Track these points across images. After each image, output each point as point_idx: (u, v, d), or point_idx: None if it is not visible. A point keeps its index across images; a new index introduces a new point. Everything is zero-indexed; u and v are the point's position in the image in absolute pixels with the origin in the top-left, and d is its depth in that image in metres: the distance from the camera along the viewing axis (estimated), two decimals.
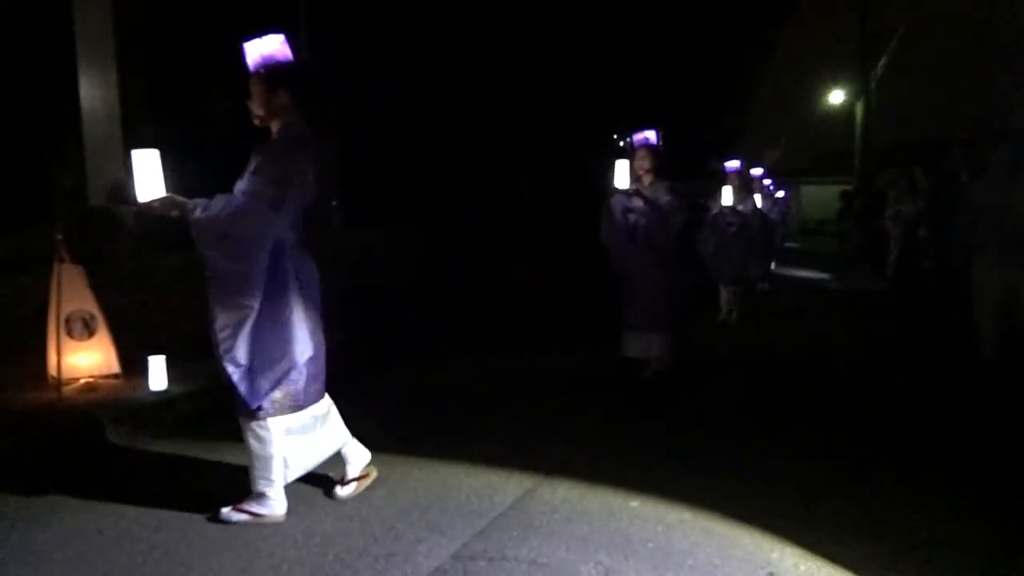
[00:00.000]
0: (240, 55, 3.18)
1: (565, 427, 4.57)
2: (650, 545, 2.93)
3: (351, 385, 5.48)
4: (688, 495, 3.37)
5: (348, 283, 7.79)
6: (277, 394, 3.12)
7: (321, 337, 3.35)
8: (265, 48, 3.16)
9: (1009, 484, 3.60)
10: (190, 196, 3.20)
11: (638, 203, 5.61)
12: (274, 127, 3.19)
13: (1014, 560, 2.82)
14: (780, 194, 15.37)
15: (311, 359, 3.24)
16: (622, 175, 5.44)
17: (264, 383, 3.07)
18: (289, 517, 3.19)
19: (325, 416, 3.38)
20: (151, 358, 4.65)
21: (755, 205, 9.22)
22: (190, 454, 4.01)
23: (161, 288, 7.04)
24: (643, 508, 3.28)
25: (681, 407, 5.13)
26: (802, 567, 2.76)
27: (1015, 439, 4.23)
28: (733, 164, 8.70)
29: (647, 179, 5.67)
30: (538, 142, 13.28)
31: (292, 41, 3.22)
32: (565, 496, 3.42)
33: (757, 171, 11.01)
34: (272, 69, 3.14)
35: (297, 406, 3.20)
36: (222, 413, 4.70)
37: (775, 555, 2.84)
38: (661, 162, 5.71)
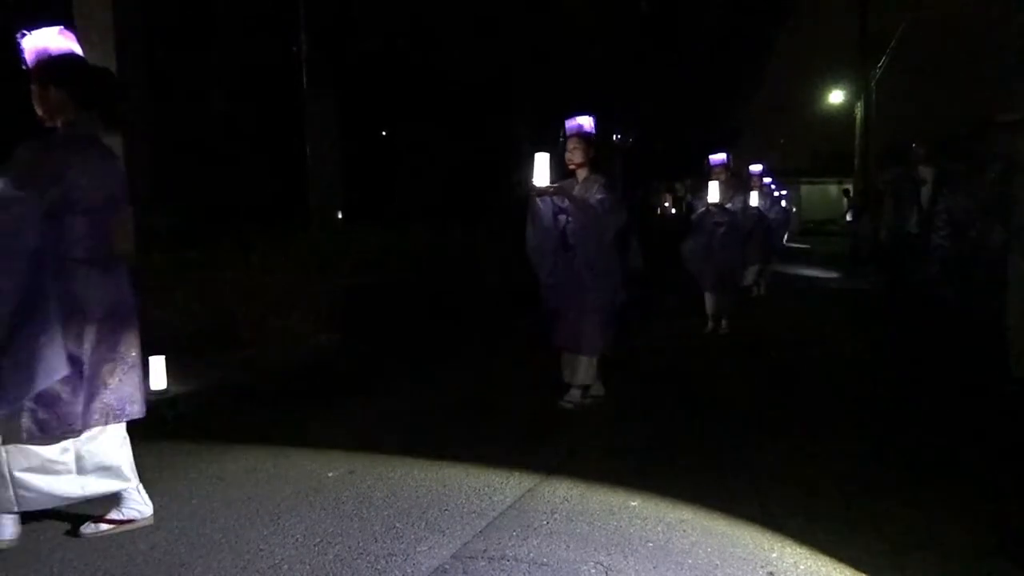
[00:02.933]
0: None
1: (565, 427, 4.57)
2: (650, 545, 2.93)
3: (351, 386, 5.51)
4: (688, 495, 3.37)
5: (348, 282, 7.80)
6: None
7: (104, 361, 2.91)
8: (38, 41, 2.90)
9: (1010, 484, 3.60)
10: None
11: (568, 203, 4.84)
12: (58, 126, 2.94)
13: (1014, 560, 2.82)
14: (780, 193, 15.29)
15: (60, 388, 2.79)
16: (541, 171, 4.63)
17: (11, 396, 2.71)
18: (289, 517, 3.19)
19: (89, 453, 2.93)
20: (151, 358, 4.65)
21: (745, 203, 8.38)
22: (190, 454, 4.00)
23: (161, 288, 7.05)
24: (643, 508, 3.28)
25: (681, 408, 5.14)
26: (802, 567, 2.76)
27: (1017, 440, 4.24)
28: (719, 157, 7.83)
29: (581, 174, 4.88)
30: (537, 142, 13.30)
31: (73, 31, 2.97)
32: (565, 496, 3.42)
33: (756, 168, 10.41)
34: (43, 63, 2.90)
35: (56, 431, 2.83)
36: (222, 413, 4.73)
37: (775, 555, 2.84)
38: (597, 154, 4.92)
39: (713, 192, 7.40)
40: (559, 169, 4.95)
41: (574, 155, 4.85)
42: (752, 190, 10.02)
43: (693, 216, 7.98)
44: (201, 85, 12.79)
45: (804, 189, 33.56)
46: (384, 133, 15.57)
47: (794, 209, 25.51)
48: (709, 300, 7.86)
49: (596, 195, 4.80)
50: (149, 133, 9.97)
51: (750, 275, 10.41)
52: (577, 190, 4.85)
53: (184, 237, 9.46)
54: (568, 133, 4.89)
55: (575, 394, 4.98)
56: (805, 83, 25.57)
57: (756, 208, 10.02)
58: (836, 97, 23.35)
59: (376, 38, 12.12)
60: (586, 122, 4.87)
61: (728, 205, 7.60)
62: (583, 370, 4.95)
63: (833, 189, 33.30)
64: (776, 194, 13.78)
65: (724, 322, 7.83)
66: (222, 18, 12.88)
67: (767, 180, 11.37)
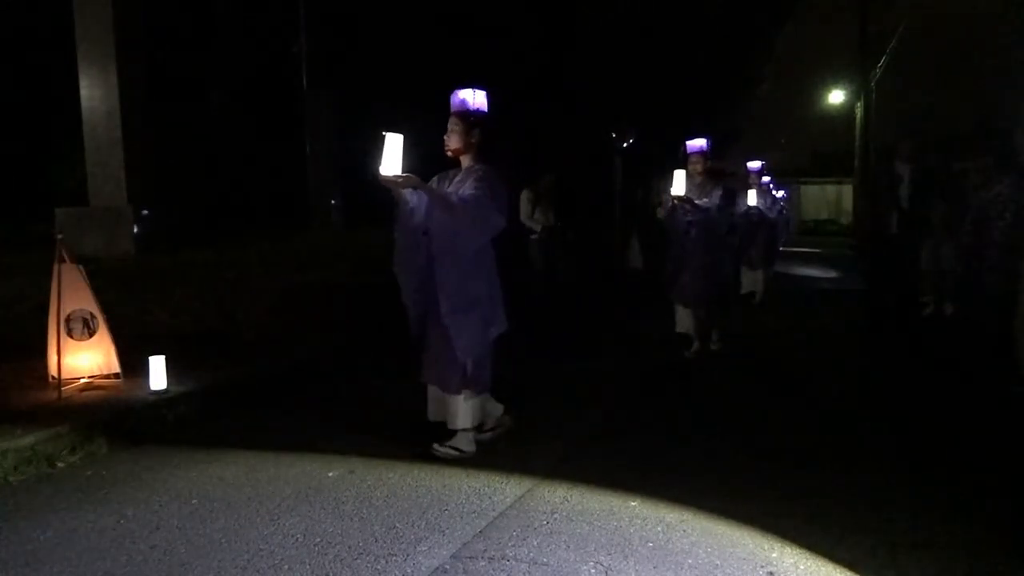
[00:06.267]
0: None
1: (565, 427, 4.57)
2: (650, 545, 2.93)
3: (351, 386, 5.50)
4: (688, 495, 3.37)
5: (347, 282, 7.80)
6: None
7: None
8: None
9: (1010, 484, 3.60)
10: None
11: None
12: None
13: (1014, 560, 2.82)
14: (780, 193, 15.19)
15: None
16: (391, 156, 3.56)
17: None
18: (289, 517, 3.19)
19: None
20: (151, 358, 4.65)
21: (723, 199, 6.56)
22: (190, 454, 4.00)
23: (161, 288, 7.06)
24: (643, 508, 3.28)
25: (681, 408, 5.14)
26: (802, 567, 2.76)
27: (1018, 440, 4.23)
28: (697, 143, 6.47)
29: (464, 162, 3.93)
30: (536, 142, 13.32)
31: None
32: (565, 496, 3.42)
33: (755, 165, 9.98)
34: None
35: None
36: (222, 413, 4.73)
37: (775, 555, 2.84)
38: (484, 139, 3.90)
39: (677, 184, 6.09)
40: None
41: (450, 138, 3.90)
42: (751, 188, 9.80)
43: (661, 213, 6.63)
44: (201, 85, 12.81)
45: (804, 189, 33.59)
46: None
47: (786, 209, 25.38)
48: (682, 316, 6.57)
49: (467, 190, 3.78)
50: (149, 133, 9.98)
51: (749, 281, 10.02)
52: (454, 183, 3.88)
53: (184, 237, 9.48)
54: (452, 110, 3.92)
55: (461, 440, 3.94)
56: (805, 83, 25.58)
57: (757, 208, 9.78)
58: (836, 97, 23.36)
59: (376, 38, 12.13)
60: (471, 97, 3.89)
61: (703, 200, 6.28)
62: (459, 412, 3.92)
63: (832, 189, 33.36)
64: (777, 194, 13.54)
65: (715, 337, 6.63)
66: (222, 18, 12.89)
67: (766, 179, 10.91)
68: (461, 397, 3.91)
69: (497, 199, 3.82)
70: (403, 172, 3.59)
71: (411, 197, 3.81)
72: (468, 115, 3.89)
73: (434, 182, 3.94)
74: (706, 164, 6.44)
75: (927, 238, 8.05)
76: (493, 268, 3.98)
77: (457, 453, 3.90)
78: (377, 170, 3.59)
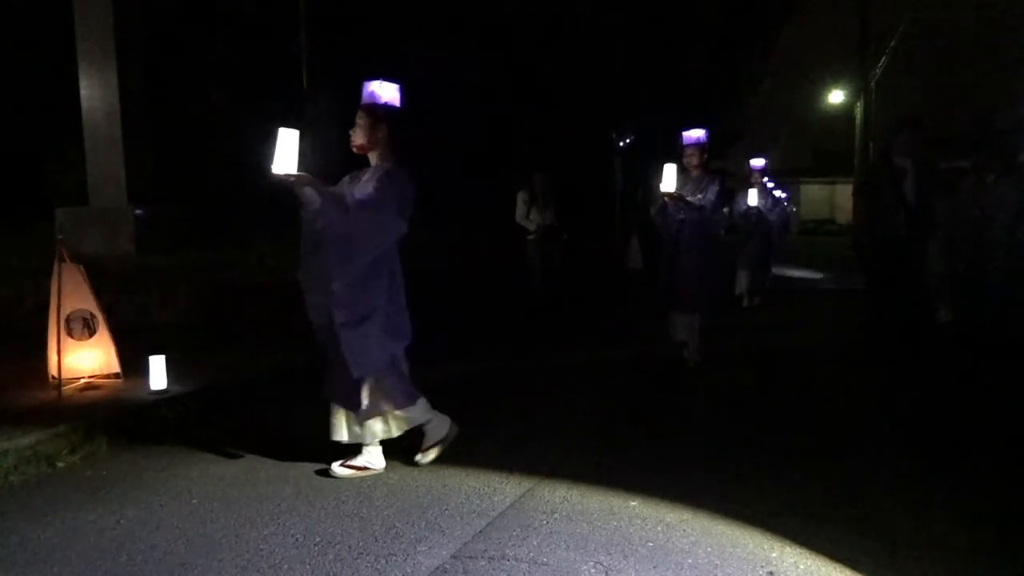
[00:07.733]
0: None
1: (566, 427, 4.57)
2: (650, 545, 2.93)
3: None
4: (688, 495, 3.37)
5: None
6: None
7: None
8: None
9: (1009, 485, 3.60)
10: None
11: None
12: None
13: (1013, 560, 2.82)
14: (780, 194, 15.16)
15: None
16: (285, 152, 3.26)
17: None
18: (289, 516, 3.19)
19: None
20: (151, 358, 4.66)
21: (717, 196, 6.01)
22: (190, 454, 4.01)
23: (161, 288, 7.06)
24: (643, 508, 3.28)
25: (680, 408, 5.14)
26: (802, 567, 2.76)
27: (1018, 440, 4.24)
28: (694, 134, 5.96)
29: (372, 159, 3.63)
30: (535, 142, 13.34)
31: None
32: (565, 496, 3.42)
33: (757, 163, 9.83)
34: None
35: None
36: (223, 413, 4.73)
37: (775, 555, 2.84)
38: (392, 133, 3.60)
39: (668, 179, 5.51)
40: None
41: (355, 134, 3.61)
42: (752, 187, 9.70)
43: (652, 211, 6.10)
44: (201, 85, 12.81)
45: (804, 189, 33.65)
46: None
47: (794, 209, 25.45)
48: (678, 322, 6.09)
49: (366, 191, 3.48)
50: (149, 133, 9.98)
51: (743, 283, 9.93)
52: (361, 183, 3.57)
53: (184, 237, 9.48)
54: (360, 103, 3.66)
55: (359, 460, 3.72)
56: (805, 83, 25.63)
57: (756, 208, 9.69)
58: (836, 97, 23.39)
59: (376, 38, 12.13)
60: (380, 90, 3.62)
61: (697, 198, 5.78)
62: (355, 426, 3.69)
63: (832, 189, 33.40)
64: (777, 194, 13.46)
65: (689, 353, 6.06)
66: (222, 18, 12.88)
67: (765, 180, 10.80)
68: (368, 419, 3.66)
69: (399, 202, 3.49)
70: (298, 171, 3.29)
71: (315, 199, 3.44)
72: (375, 109, 3.59)
73: (344, 181, 3.65)
74: (703, 157, 5.98)
75: (932, 238, 7.95)
76: (397, 276, 3.63)
77: (437, 451, 3.79)
78: (269, 168, 3.27)
